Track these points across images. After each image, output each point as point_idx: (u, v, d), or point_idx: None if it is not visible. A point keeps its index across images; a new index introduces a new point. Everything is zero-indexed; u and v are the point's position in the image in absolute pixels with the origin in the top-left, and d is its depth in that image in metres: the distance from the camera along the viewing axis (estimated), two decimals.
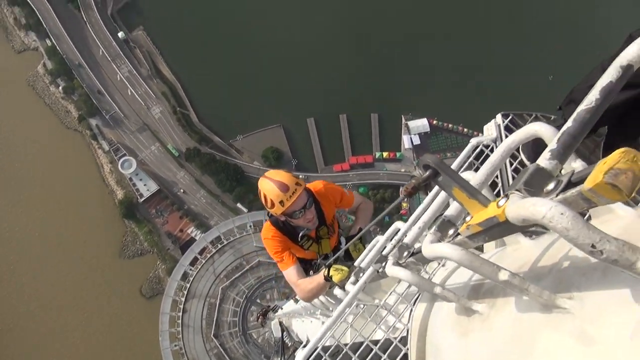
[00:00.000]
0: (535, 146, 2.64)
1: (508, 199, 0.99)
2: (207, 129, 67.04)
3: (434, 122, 66.38)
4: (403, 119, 66.49)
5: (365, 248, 3.49)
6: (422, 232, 2.03)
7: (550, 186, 0.92)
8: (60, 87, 68.35)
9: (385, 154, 66.26)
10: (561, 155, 0.96)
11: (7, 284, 61.08)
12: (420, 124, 66.10)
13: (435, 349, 2.00)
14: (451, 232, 1.45)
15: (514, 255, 1.76)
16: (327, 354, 2.17)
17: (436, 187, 2.20)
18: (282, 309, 13.49)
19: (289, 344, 11.69)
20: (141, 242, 64.19)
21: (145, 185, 65.27)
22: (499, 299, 1.54)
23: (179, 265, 36.05)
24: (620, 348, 0.92)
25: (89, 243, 62.75)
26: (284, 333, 12.07)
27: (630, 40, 2.26)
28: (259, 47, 66.93)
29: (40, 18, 68.37)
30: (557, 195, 0.88)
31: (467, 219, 1.27)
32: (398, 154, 66.32)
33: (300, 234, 4.59)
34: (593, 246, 0.76)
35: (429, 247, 1.41)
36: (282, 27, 67.60)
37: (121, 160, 64.71)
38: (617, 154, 0.75)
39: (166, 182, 66.81)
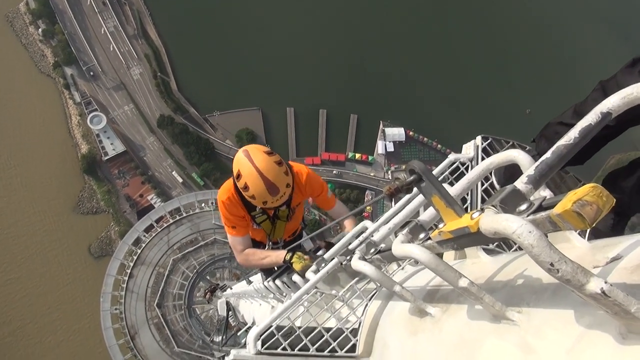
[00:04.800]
0: (507, 171, 2.78)
1: (482, 212, 1.09)
2: (184, 99, 65.98)
3: (411, 132, 67.25)
4: (381, 124, 67.09)
5: None
6: (391, 233, 2.13)
7: (523, 207, 1.02)
8: (40, 30, 66.05)
9: (357, 156, 66.72)
10: (536, 182, 1.07)
11: None
12: (397, 132, 66.88)
13: (382, 344, 2.11)
14: (421, 235, 1.54)
15: (472, 267, 1.88)
16: (280, 333, 2.25)
17: (407, 194, 2.32)
18: (231, 288, 13.49)
19: (233, 324, 11.74)
20: (98, 200, 62.81)
21: (112, 144, 63.84)
22: (453, 305, 1.65)
23: (133, 230, 35.15)
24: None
25: (45, 191, 61.01)
26: (230, 313, 12.11)
27: (600, 87, 2.41)
28: (252, 29, 66.26)
29: None
30: (527, 216, 0.98)
31: (440, 226, 1.36)
32: (370, 158, 66.88)
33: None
34: (552, 264, 0.86)
35: (399, 246, 1.50)
36: (279, 14, 67.16)
37: (91, 115, 63.00)
38: (587, 187, 0.86)
39: (134, 144, 65.48)
